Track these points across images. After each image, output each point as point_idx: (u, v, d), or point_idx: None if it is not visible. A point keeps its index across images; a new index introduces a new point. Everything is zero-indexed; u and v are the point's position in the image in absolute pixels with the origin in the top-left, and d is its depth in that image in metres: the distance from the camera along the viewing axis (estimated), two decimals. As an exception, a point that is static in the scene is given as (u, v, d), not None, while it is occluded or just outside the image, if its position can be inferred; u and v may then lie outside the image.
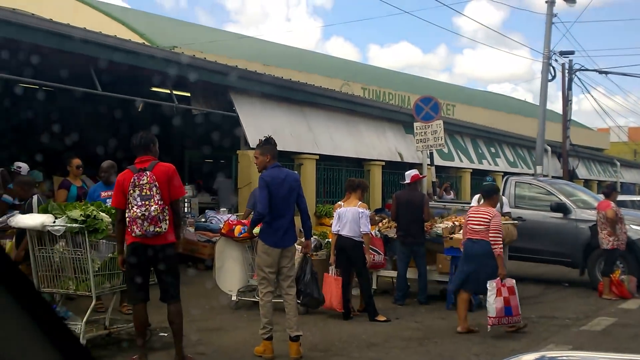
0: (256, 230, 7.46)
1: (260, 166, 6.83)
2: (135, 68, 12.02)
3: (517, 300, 7.76)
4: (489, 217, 7.81)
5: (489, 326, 7.68)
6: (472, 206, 9.15)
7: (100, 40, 10.98)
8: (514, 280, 7.89)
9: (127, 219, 5.73)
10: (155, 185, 5.70)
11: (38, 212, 6.88)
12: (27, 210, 7.25)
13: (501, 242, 7.77)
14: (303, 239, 7.20)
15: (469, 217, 8.11)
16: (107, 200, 7.40)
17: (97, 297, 6.62)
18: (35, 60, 10.18)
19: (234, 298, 8.93)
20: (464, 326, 7.86)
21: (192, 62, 12.79)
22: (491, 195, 8.27)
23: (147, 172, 5.76)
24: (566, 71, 26.56)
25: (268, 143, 6.80)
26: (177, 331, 5.98)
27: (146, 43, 15.36)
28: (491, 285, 7.59)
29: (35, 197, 7.39)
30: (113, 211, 6.64)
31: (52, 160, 13.17)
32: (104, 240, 6.59)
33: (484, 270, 7.76)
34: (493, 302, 7.55)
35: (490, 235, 7.72)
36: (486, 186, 8.66)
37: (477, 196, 12.38)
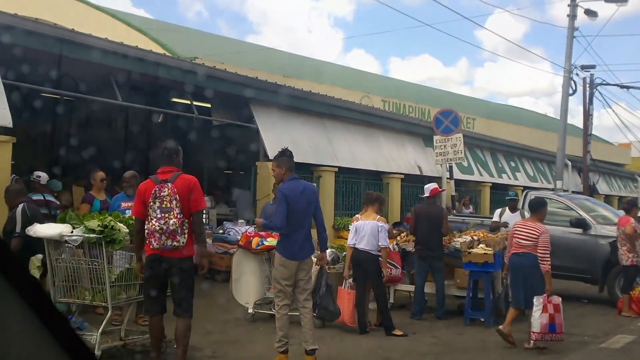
0: (272, 242, 7.44)
1: (277, 179, 6.83)
2: (156, 79, 12.11)
3: (561, 318, 7.73)
4: (537, 233, 7.74)
5: (532, 341, 7.66)
6: (507, 220, 9.14)
7: (122, 50, 11.07)
8: (559, 298, 7.83)
9: (146, 231, 5.71)
10: (176, 198, 5.67)
11: (22, 222, 6.92)
12: (10, 219, 7.27)
13: (549, 259, 7.68)
14: (319, 251, 7.18)
15: (516, 231, 8.04)
16: (127, 211, 7.39)
17: (114, 308, 6.61)
18: (56, 70, 10.28)
19: (250, 310, 8.90)
20: (507, 329, 7.83)
21: (213, 73, 12.86)
22: (539, 208, 8.19)
23: (169, 183, 5.73)
24: (587, 85, 26.37)
25: (284, 155, 6.79)
26: (181, 348, 5.86)
27: (167, 54, 15.48)
28: (537, 301, 7.56)
29: (20, 207, 7.37)
30: (131, 222, 6.67)
31: (73, 170, 13.29)
32: (120, 251, 6.58)
33: (528, 283, 7.73)
34: (538, 318, 7.53)
35: (538, 251, 7.66)
36: (534, 199, 8.59)
37: (498, 210, 12.37)
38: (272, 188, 10.41)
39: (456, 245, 9.77)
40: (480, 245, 9.55)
